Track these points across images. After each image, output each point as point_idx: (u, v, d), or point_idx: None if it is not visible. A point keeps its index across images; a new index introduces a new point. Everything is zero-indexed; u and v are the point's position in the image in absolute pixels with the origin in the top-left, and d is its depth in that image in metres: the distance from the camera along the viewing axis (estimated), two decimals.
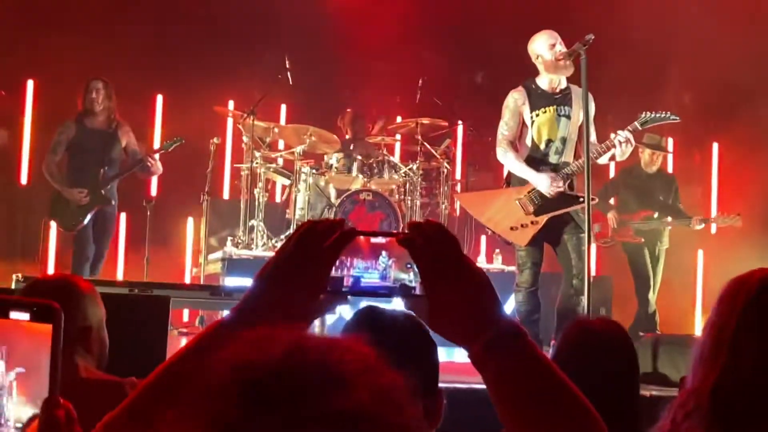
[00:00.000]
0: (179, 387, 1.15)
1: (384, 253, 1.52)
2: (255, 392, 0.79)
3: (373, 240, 1.55)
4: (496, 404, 1.18)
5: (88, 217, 7.14)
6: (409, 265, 1.47)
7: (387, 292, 1.23)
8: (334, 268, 1.24)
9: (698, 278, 9.86)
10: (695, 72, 9.73)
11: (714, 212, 8.87)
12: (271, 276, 1.22)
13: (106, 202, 7.20)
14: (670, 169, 9.08)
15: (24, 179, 9.40)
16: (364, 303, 1.59)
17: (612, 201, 8.36)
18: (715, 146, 10.42)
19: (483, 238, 9.61)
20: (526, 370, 1.17)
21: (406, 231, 1.24)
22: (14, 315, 1.23)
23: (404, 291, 1.23)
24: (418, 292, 1.21)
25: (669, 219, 8.16)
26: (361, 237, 1.27)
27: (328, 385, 0.79)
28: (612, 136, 5.54)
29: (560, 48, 5.66)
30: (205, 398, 0.81)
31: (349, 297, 1.24)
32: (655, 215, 8.18)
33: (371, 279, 1.44)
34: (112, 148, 7.29)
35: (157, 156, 7.43)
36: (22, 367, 1.24)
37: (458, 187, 9.38)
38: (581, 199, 5.37)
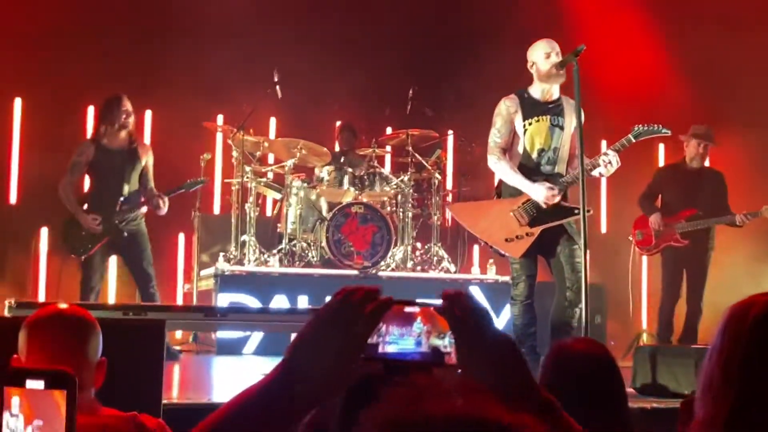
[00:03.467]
0: None
1: (419, 318, 1.51)
2: None
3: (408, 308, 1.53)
4: None
5: (98, 245, 7.02)
6: (444, 335, 1.47)
7: (422, 360, 1.23)
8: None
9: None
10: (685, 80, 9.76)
11: None
12: (307, 348, 1.22)
13: (118, 235, 7.04)
14: None
15: (13, 198, 9.38)
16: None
17: (658, 203, 7.89)
18: None
19: (475, 249, 9.59)
20: None
21: (441, 299, 1.25)
22: (30, 384, 1.28)
23: (438, 359, 1.23)
24: (453, 359, 1.20)
25: (714, 218, 7.66)
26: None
27: None
28: (601, 155, 5.51)
29: (555, 58, 5.64)
30: None
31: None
32: (700, 213, 7.64)
33: (406, 346, 1.42)
34: (133, 168, 7.15)
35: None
36: (40, 419, 1.25)
37: (449, 198, 9.34)
38: (576, 211, 5.34)
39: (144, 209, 7.18)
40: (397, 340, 1.24)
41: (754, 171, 9.31)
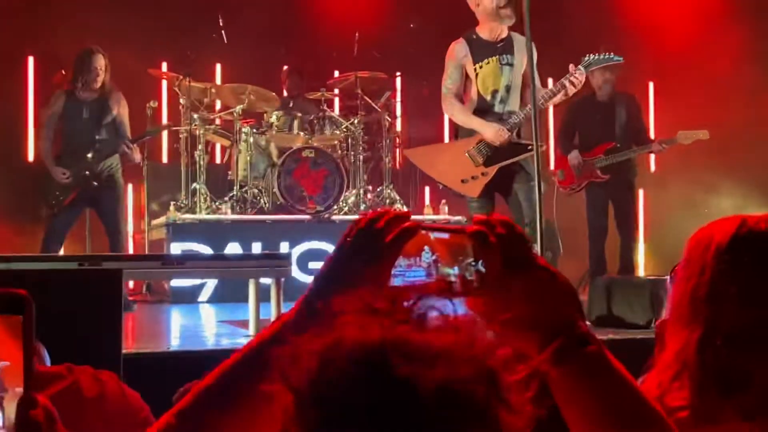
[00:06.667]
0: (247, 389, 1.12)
1: (426, 248, 1.42)
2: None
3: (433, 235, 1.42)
4: (561, 407, 1.14)
5: (71, 197, 6.95)
6: (472, 263, 1.35)
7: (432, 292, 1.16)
8: None
9: (640, 219, 9.94)
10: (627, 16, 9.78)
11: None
12: (331, 277, 1.16)
13: (88, 185, 6.96)
14: None
15: (31, 156, 9.30)
16: None
17: (576, 141, 7.64)
18: (651, 85, 10.52)
19: (427, 189, 9.61)
20: (597, 381, 1.13)
21: (472, 225, 1.17)
22: None
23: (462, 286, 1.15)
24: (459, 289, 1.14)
25: (631, 149, 7.47)
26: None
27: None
28: (559, 82, 5.51)
29: None
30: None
31: None
32: (618, 145, 7.45)
33: (414, 278, 1.35)
34: (103, 118, 7.04)
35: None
36: (6, 360, 1.14)
37: (398, 140, 9.31)
38: (529, 147, 5.35)
39: (117, 159, 7.14)
40: (404, 272, 1.19)
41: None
